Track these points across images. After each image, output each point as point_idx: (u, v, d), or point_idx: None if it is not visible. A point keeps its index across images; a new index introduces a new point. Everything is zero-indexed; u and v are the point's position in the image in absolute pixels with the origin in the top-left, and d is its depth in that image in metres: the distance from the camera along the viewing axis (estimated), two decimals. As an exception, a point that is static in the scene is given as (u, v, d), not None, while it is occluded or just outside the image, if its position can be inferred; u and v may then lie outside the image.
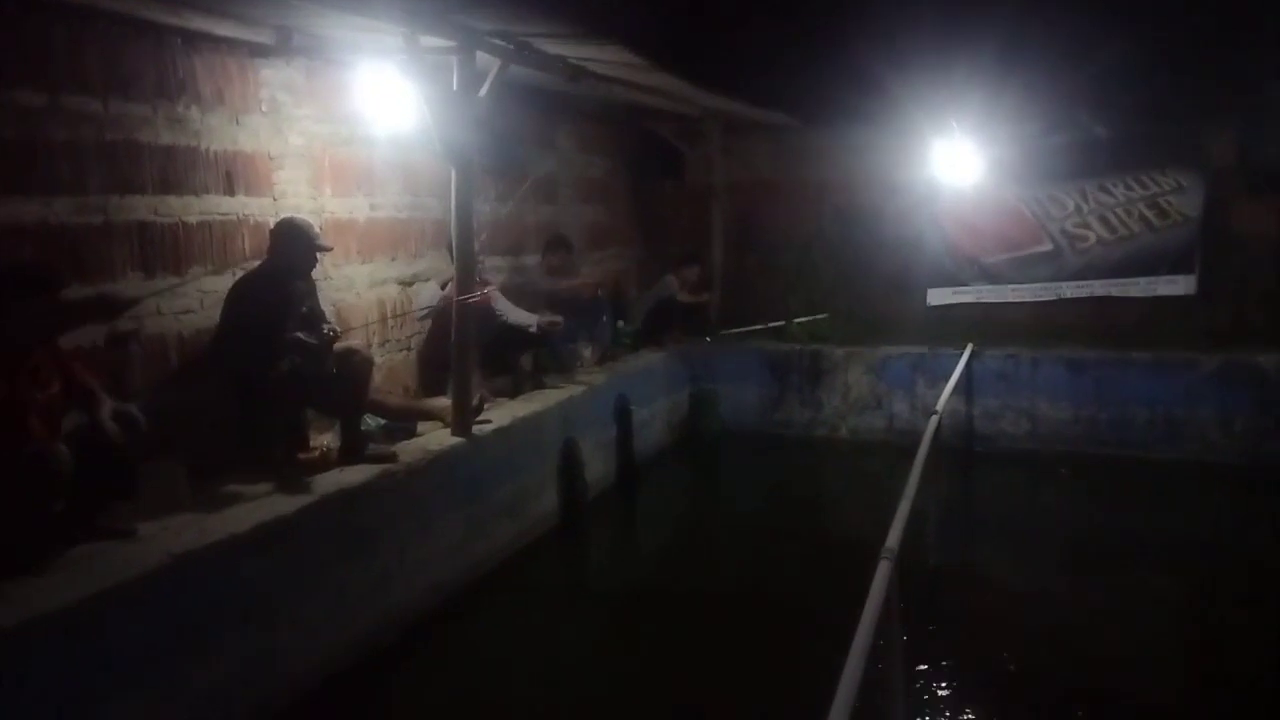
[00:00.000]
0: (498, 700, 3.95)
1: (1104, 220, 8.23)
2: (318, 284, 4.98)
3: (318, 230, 4.56)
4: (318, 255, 4.48)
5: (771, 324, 8.60)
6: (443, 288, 5.51)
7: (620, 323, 7.95)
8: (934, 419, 4.92)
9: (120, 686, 2.94)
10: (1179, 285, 8.02)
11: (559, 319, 6.11)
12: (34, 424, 3.02)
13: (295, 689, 3.68)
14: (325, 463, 4.28)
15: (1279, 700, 3.79)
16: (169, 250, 4.16)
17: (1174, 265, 8.02)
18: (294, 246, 4.33)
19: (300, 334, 4.13)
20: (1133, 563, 5.47)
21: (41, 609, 2.76)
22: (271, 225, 4.48)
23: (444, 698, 3.95)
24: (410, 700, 3.91)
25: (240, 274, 4.39)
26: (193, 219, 4.27)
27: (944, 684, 3.90)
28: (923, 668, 3.91)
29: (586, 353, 6.98)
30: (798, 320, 8.54)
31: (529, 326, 5.94)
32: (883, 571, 2.62)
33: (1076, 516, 6.39)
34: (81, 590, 2.88)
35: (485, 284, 5.58)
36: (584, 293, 7.08)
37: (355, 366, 4.44)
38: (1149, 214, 8.09)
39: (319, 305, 4.58)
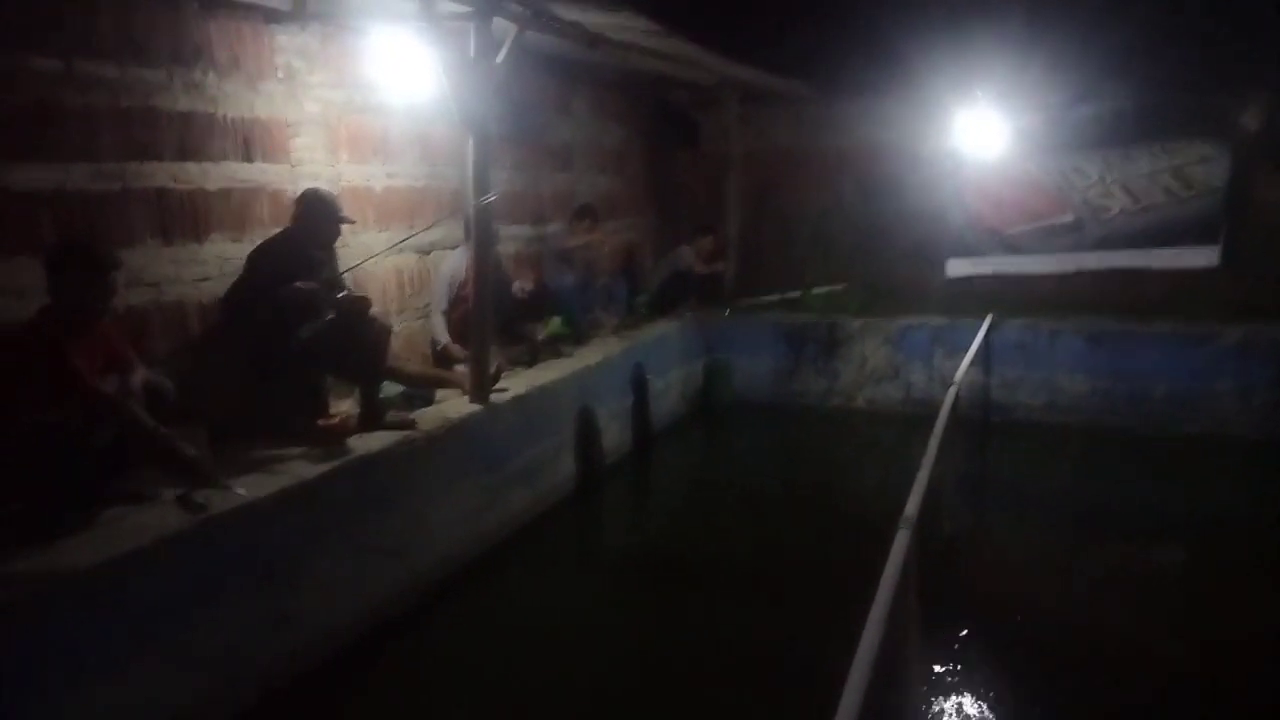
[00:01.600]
0: (514, 664, 3.99)
1: (1127, 190, 8.11)
2: (336, 253, 4.99)
3: (341, 203, 4.56)
4: (340, 228, 4.49)
5: (788, 294, 8.56)
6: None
7: (637, 295, 7.95)
8: (952, 390, 4.90)
9: (141, 645, 2.99)
10: (1202, 257, 7.91)
11: (530, 285, 6.10)
12: (94, 388, 3.07)
13: (315, 652, 3.74)
14: (345, 429, 4.30)
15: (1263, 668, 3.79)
16: (188, 217, 4.17)
17: (1198, 236, 7.91)
18: (318, 217, 4.36)
19: (299, 283, 4.14)
20: (1146, 534, 5.46)
21: (69, 568, 2.82)
22: (292, 193, 4.48)
23: (461, 662, 4.00)
24: (427, 664, 3.96)
25: (260, 241, 4.40)
26: (211, 186, 4.27)
27: (959, 651, 3.91)
28: (938, 633, 3.93)
29: (607, 322, 6.99)
30: (814, 291, 8.49)
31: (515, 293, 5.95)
32: (901, 540, 2.63)
33: (1092, 488, 6.37)
34: (107, 552, 2.92)
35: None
36: (604, 263, 7.09)
37: (374, 334, 4.45)
38: (1173, 184, 7.97)
39: (338, 274, 4.59)
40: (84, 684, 2.81)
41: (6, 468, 2.99)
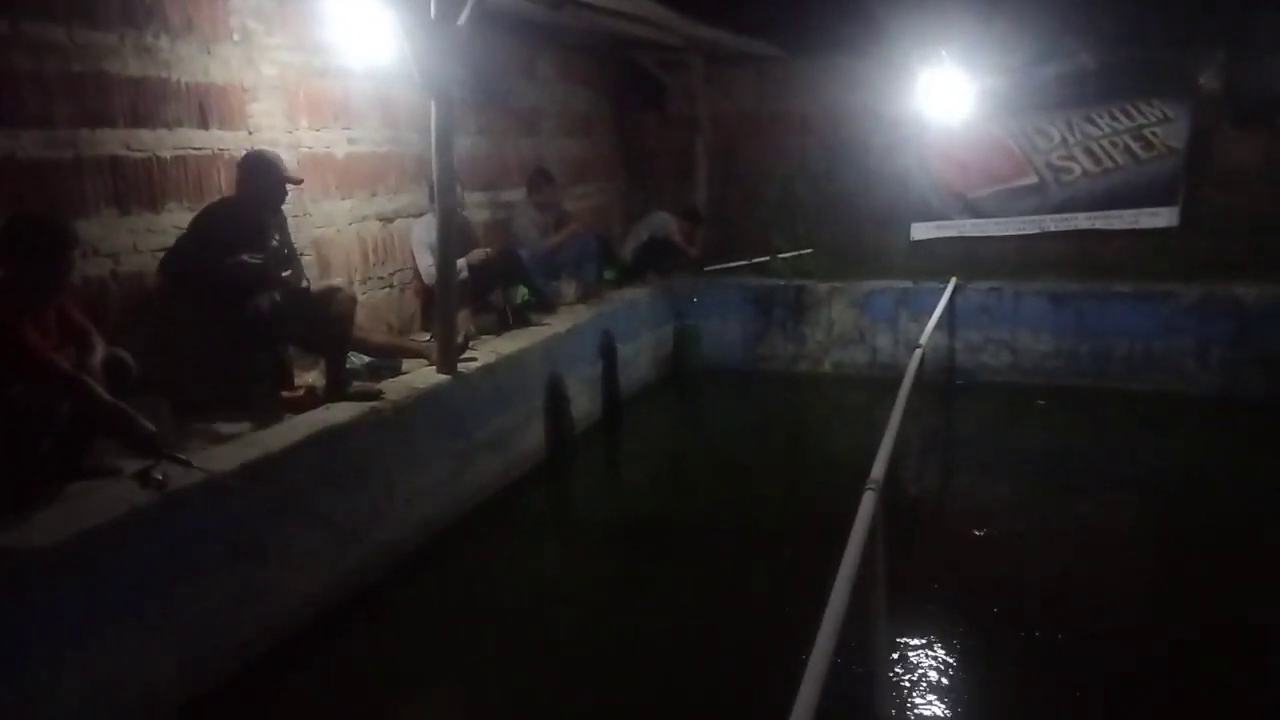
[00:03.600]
0: (485, 629, 4.02)
1: (1089, 152, 8.20)
2: (298, 220, 4.92)
3: (286, 163, 4.45)
4: (287, 188, 4.38)
5: (755, 259, 8.57)
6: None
7: (609, 260, 7.90)
8: (917, 353, 4.96)
9: (114, 617, 2.97)
10: (1161, 218, 8.04)
11: (490, 252, 6.02)
12: (51, 364, 3.02)
13: (288, 623, 3.73)
14: (311, 400, 4.27)
15: (1239, 620, 3.91)
16: (143, 186, 4.07)
17: (1157, 198, 8.03)
18: (262, 179, 4.24)
19: (245, 256, 4.06)
20: (1106, 490, 5.60)
21: (40, 543, 2.79)
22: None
23: (434, 630, 4.02)
24: (402, 632, 3.98)
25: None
26: (166, 153, 4.17)
27: (926, 609, 4.00)
28: (905, 594, 4.01)
29: (570, 290, 6.95)
30: (781, 255, 8.51)
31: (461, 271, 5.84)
32: (868, 501, 2.66)
33: (1054, 447, 6.50)
34: (75, 526, 2.89)
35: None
36: (574, 235, 7.04)
37: (339, 304, 4.39)
38: (1134, 145, 8.06)
39: (289, 238, 4.52)
40: (61, 657, 2.80)
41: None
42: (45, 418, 3.03)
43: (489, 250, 6.00)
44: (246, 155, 4.32)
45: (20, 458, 3.01)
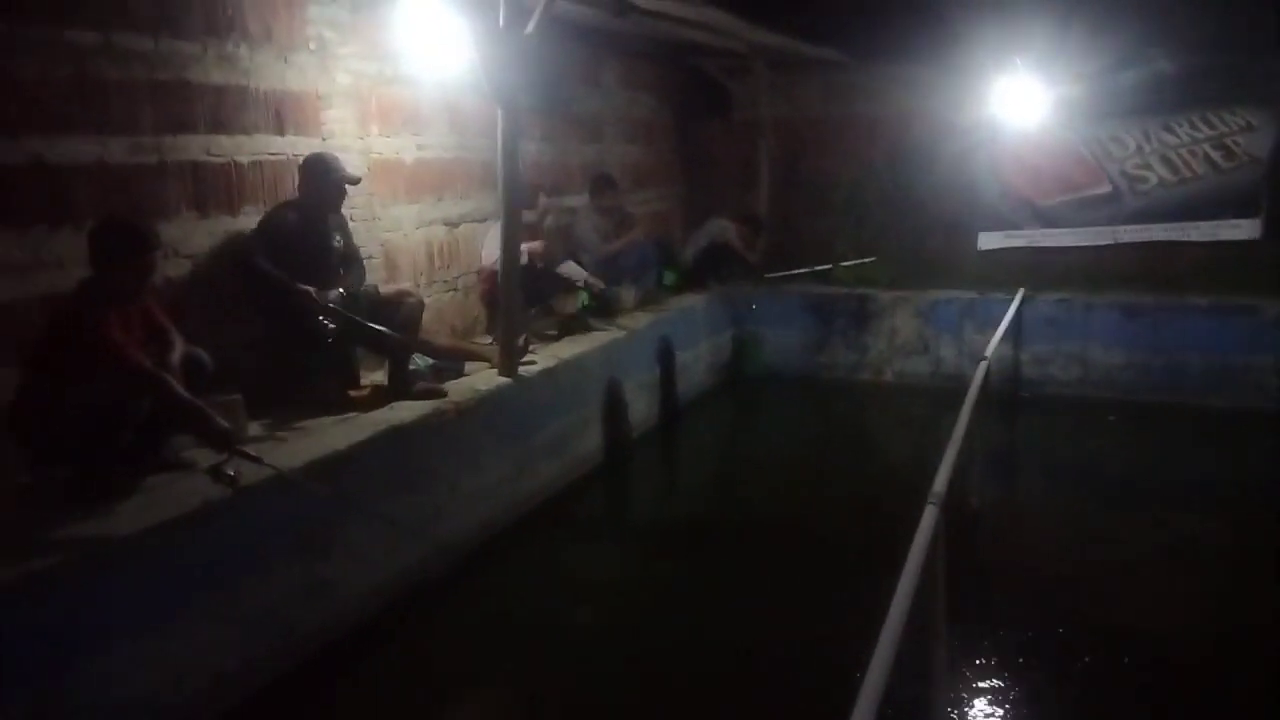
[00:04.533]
0: (542, 632, 4.07)
1: (1166, 161, 7.95)
2: (367, 224, 5.04)
3: (345, 163, 4.51)
4: (345, 187, 4.46)
5: (818, 267, 8.50)
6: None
7: (669, 266, 7.92)
8: (983, 364, 4.86)
9: (185, 607, 3.09)
10: (1242, 230, 7.75)
11: (602, 284, 6.43)
12: (134, 361, 3.15)
13: (352, 617, 3.82)
14: (376, 400, 4.37)
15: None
16: (222, 190, 4.22)
17: (1238, 208, 7.74)
18: (320, 180, 4.34)
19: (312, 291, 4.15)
20: (1181, 510, 5.40)
21: (123, 532, 2.92)
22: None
23: (491, 630, 4.07)
24: (459, 629, 4.04)
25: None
26: (244, 159, 4.31)
27: (986, 627, 3.92)
28: (966, 610, 3.93)
29: (629, 295, 6.98)
30: (844, 264, 8.42)
31: (576, 281, 6.15)
32: (929, 516, 2.63)
33: (1123, 463, 6.31)
34: (155, 517, 3.01)
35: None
36: (633, 242, 7.10)
37: (408, 308, 4.52)
38: (1214, 155, 7.79)
39: (352, 240, 4.62)
40: (140, 643, 2.92)
41: (53, 437, 3.08)
42: (127, 412, 3.16)
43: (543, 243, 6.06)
44: (306, 158, 4.42)
45: (104, 449, 3.15)
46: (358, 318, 4.27)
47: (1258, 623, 4.04)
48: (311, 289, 4.16)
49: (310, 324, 4.16)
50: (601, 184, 7.00)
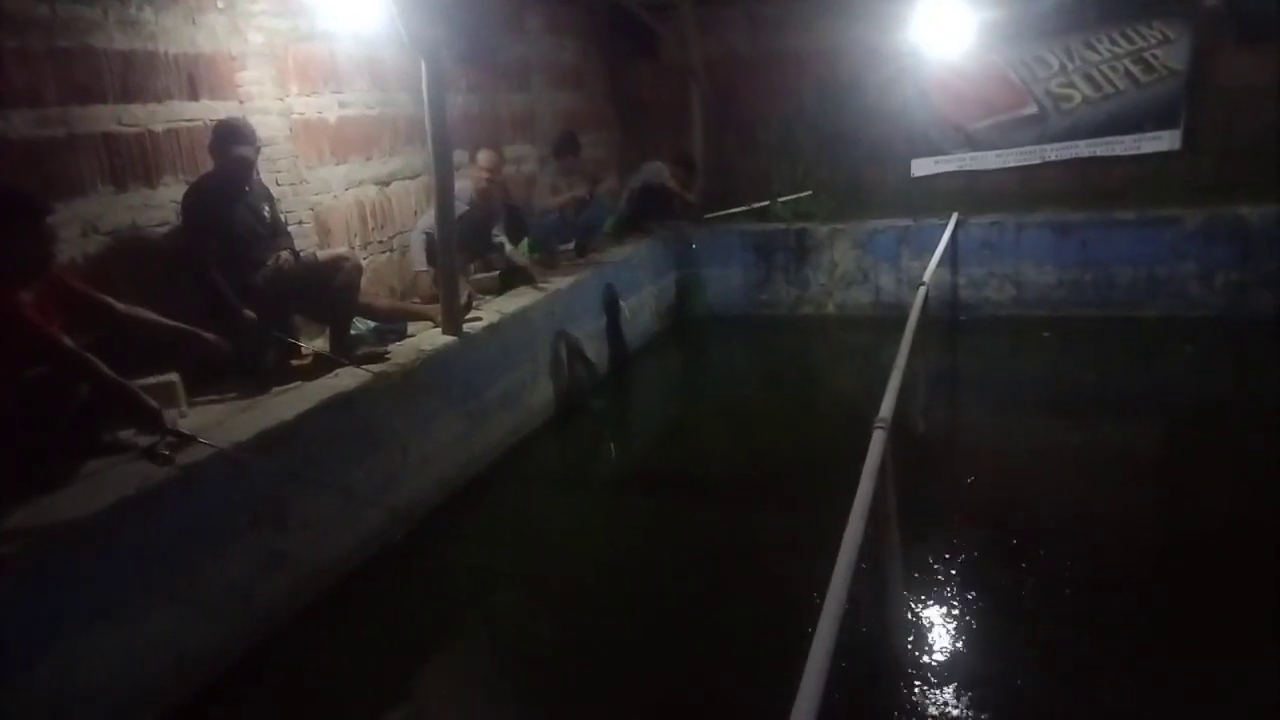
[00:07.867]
0: (504, 588, 4.11)
1: (1089, 78, 8.08)
2: (295, 188, 4.90)
3: (247, 132, 4.23)
4: (249, 155, 4.22)
5: (755, 205, 8.52)
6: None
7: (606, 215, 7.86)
8: (921, 290, 4.96)
9: (142, 587, 3.04)
10: (1164, 141, 7.96)
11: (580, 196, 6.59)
12: (53, 340, 3.02)
13: (312, 587, 3.80)
14: (319, 368, 4.30)
15: (1245, 537, 3.96)
16: (138, 161, 4.05)
17: (1159, 121, 7.94)
18: (222, 147, 4.13)
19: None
20: (1115, 416, 5.63)
21: (63, 519, 2.85)
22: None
23: (453, 590, 4.09)
24: (421, 593, 4.05)
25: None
26: (159, 127, 4.14)
27: (939, 543, 4.05)
28: (917, 529, 4.06)
29: (566, 247, 6.93)
30: (781, 199, 8.45)
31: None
32: (878, 440, 2.70)
33: (1060, 376, 6.53)
34: (96, 503, 2.94)
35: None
36: (576, 199, 7.01)
37: (345, 274, 4.41)
38: (1134, 69, 7.95)
39: (276, 209, 4.48)
40: (94, 628, 2.87)
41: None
42: (60, 397, 3.05)
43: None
44: (212, 128, 4.21)
45: (38, 438, 3.04)
46: (289, 338, 4.30)
47: (1188, 510, 4.26)
48: (253, 315, 4.09)
49: (245, 343, 4.09)
50: (565, 144, 6.90)
